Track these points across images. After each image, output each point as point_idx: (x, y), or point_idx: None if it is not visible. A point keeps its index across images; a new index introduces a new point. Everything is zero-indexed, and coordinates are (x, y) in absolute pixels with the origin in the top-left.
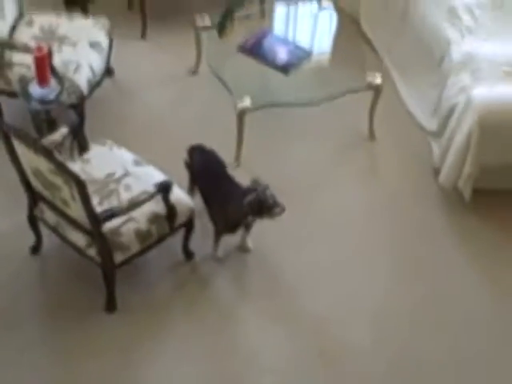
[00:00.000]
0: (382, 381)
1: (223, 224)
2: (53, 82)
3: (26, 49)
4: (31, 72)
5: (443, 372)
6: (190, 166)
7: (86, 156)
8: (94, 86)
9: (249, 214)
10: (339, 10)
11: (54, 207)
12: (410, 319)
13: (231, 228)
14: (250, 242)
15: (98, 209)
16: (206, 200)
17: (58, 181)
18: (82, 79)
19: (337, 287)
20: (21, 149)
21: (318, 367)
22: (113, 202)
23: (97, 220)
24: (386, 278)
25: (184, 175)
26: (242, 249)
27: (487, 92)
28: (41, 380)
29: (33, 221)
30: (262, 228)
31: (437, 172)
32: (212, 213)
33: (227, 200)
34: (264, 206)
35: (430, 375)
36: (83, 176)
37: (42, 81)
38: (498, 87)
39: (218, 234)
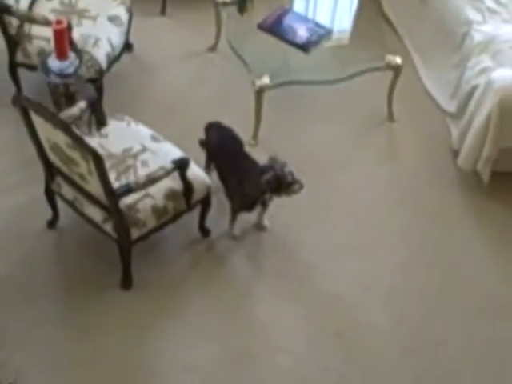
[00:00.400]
0: (397, 362)
1: (240, 201)
2: (72, 55)
3: (45, 22)
4: (50, 45)
5: (458, 355)
6: (206, 143)
7: (104, 131)
8: (113, 60)
9: (267, 191)
10: None
11: (71, 182)
12: (426, 302)
13: (248, 206)
14: (266, 221)
15: (115, 184)
16: (223, 177)
17: (76, 155)
18: (101, 53)
19: (353, 268)
20: (39, 123)
21: (334, 347)
22: (130, 178)
23: (114, 195)
24: (402, 260)
25: (201, 152)
26: (259, 227)
27: (508, 74)
28: (56, 355)
29: (50, 195)
30: (278, 207)
31: (455, 154)
32: (229, 190)
33: (244, 177)
34: (283, 183)
35: (446, 358)
36: (100, 151)
37: (61, 54)
38: None
39: (234, 212)
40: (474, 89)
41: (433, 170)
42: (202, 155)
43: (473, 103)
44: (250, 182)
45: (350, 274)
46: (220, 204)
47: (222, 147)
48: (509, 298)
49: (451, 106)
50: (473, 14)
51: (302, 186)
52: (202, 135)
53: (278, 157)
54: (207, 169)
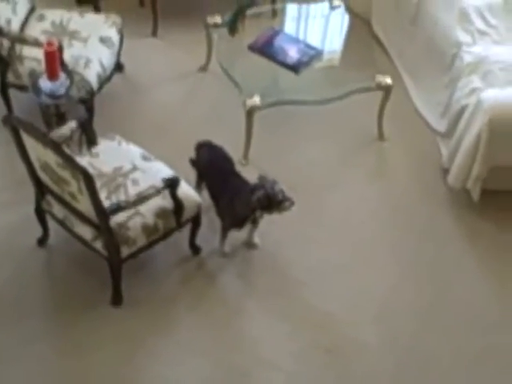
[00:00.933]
0: (388, 380)
1: (231, 220)
2: (63, 76)
3: (36, 43)
4: (41, 66)
5: (450, 374)
6: (197, 162)
7: (95, 150)
8: (104, 81)
9: (258, 209)
10: (350, 10)
11: (61, 201)
12: (417, 319)
13: (238, 223)
14: (256, 238)
15: (106, 203)
16: (214, 196)
17: (66, 175)
18: (92, 74)
19: (344, 286)
20: (30, 142)
21: (324, 364)
22: (120, 196)
23: (104, 214)
24: (393, 278)
25: (191, 171)
26: (249, 245)
27: (498, 94)
28: (47, 372)
29: (40, 214)
30: (268, 224)
31: (445, 173)
32: (219, 209)
33: (235, 196)
34: (273, 201)
35: (437, 377)
36: (91, 170)
37: (52, 75)
38: (509, 90)
39: (224, 230)
40: (463, 109)
41: (423, 189)
42: (192, 174)
43: (463, 123)
44: (241, 200)
45: (340, 291)
46: (210, 222)
47: (212, 166)
48: (499, 315)
49: (441, 126)
50: (462, 36)
51: (292, 203)
52: (192, 154)
53: (267, 175)
54: (198, 187)
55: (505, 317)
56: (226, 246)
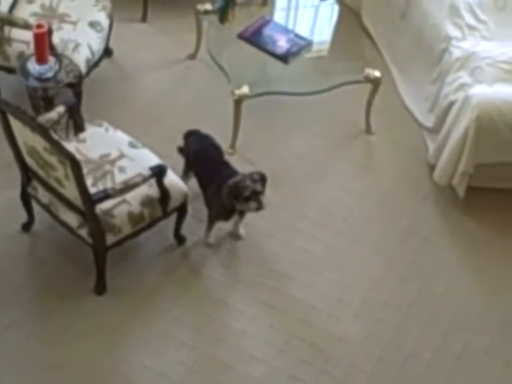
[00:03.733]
0: (369, 374)
1: (217, 210)
2: (51, 59)
3: (25, 25)
4: (30, 49)
5: (429, 371)
6: (185, 150)
7: (82, 136)
8: (93, 66)
9: (225, 197)
10: (341, 1)
11: (47, 186)
12: (400, 315)
13: (224, 214)
14: (242, 230)
15: (92, 189)
16: (202, 185)
17: (53, 160)
18: (81, 58)
19: (327, 279)
20: (17, 126)
21: (306, 357)
22: (107, 184)
23: (90, 200)
24: (377, 273)
25: (179, 159)
26: (234, 236)
27: (486, 90)
28: (25, 360)
29: (25, 198)
30: (254, 216)
31: (431, 168)
32: (207, 197)
33: (222, 184)
34: (240, 195)
35: (417, 371)
36: (78, 156)
37: (41, 58)
38: (497, 86)
39: (211, 220)
40: (451, 104)
41: (409, 184)
42: (179, 163)
43: (450, 119)
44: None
45: (323, 285)
46: (196, 212)
47: (201, 154)
48: (481, 311)
49: (428, 121)
50: (452, 31)
51: (260, 207)
52: (180, 142)
53: (265, 174)
54: (185, 176)
55: (486, 314)
56: (211, 237)
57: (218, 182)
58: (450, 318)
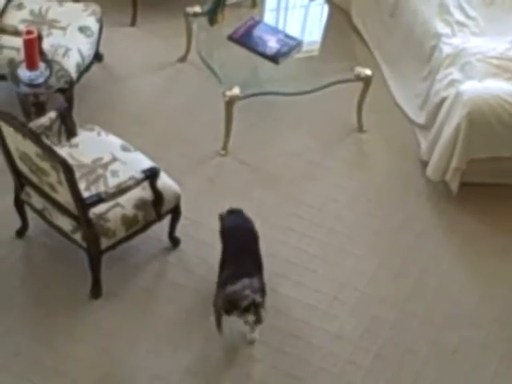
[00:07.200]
0: (366, 372)
1: (218, 300)
2: (42, 65)
3: (15, 32)
4: (20, 55)
5: (426, 365)
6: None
7: (74, 141)
8: (83, 70)
9: (221, 305)
10: (330, 1)
11: (40, 192)
12: (395, 311)
13: (226, 309)
14: (255, 333)
15: (85, 194)
16: (222, 264)
17: (46, 165)
18: (71, 64)
19: (322, 277)
20: (8, 132)
21: (303, 356)
22: (100, 188)
23: (83, 205)
24: (371, 269)
25: (171, 161)
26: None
27: (476, 86)
28: (23, 364)
29: (19, 205)
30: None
31: (424, 165)
32: (219, 279)
33: (233, 278)
34: (238, 306)
35: (414, 366)
36: (70, 161)
37: (31, 64)
38: (487, 82)
39: (215, 309)
40: (442, 101)
41: (402, 181)
42: (171, 164)
43: (442, 115)
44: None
45: (318, 282)
46: (190, 214)
47: (237, 233)
48: (477, 305)
49: (420, 118)
50: (441, 27)
51: (258, 321)
52: (172, 145)
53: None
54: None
55: (481, 308)
56: (222, 329)
57: (227, 278)
58: (445, 312)
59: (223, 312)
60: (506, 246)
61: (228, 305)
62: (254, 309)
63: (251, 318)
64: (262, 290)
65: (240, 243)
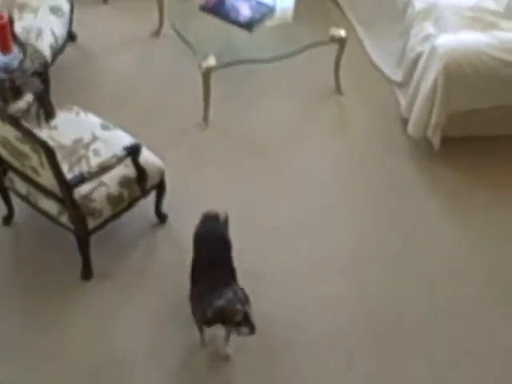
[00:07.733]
0: (361, 335)
1: (198, 315)
2: (15, 49)
3: None
4: None
5: (423, 321)
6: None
7: (53, 123)
8: (57, 52)
9: (210, 320)
10: None
11: (23, 176)
12: (385, 270)
13: (207, 322)
14: (228, 349)
15: (68, 175)
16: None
17: (26, 149)
18: (45, 45)
19: (310, 242)
20: None
21: (297, 322)
22: (82, 168)
23: (67, 186)
24: (360, 230)
25: (152, 137)
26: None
27: (451, 39)
28: (16, 349)
29: (3, 191)
30: (233, 186)
31: (405, 122)
32: (192, 294)
33: (211, 292)
34: (230, 321)
35: (411, 324)
36: (51, 143)
37: (5, 49)
38: (462, 34)
39: (197, 324)
40: (418, 56)
41: (384, 140)
42: (153, 140)
43: (418, 71)
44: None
45: (306, 247)
46: (176, 188)
47: (208, 242)
48: (465, 260)
49: (397, 76)
50: None
51: (252, 332)
52: (152, 120)
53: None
54: None
55: (471, 261)
56: (204, 341)
57: (204, 289)
58: (436, 268)
59: (207, 326)
60: (491, 198)
61: (220, 320)
62: (245, 322)
63: (245, 330)
64: (247, 299)
65: (213, 252)
